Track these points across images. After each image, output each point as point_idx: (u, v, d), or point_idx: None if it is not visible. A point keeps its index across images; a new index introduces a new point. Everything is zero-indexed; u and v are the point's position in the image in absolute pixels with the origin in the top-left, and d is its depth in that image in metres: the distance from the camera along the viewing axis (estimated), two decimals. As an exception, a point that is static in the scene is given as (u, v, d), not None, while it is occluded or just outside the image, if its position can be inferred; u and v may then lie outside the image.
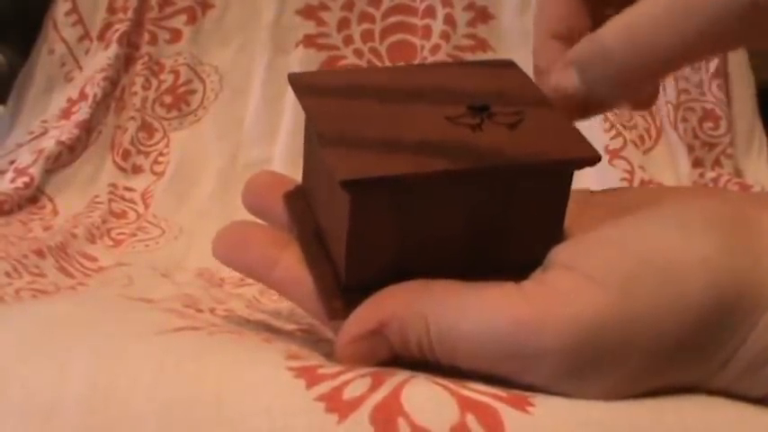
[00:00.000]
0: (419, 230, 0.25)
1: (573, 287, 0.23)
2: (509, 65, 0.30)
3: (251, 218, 0.32)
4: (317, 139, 0.25)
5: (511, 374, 0.23)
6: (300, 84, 0.28)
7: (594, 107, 0.29)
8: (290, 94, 0.67)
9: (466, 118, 0.26)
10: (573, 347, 0.22)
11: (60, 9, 0.71)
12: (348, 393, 0.22)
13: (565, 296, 0.23)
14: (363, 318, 0.25)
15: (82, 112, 0.66)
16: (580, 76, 0.27)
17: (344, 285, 0.26)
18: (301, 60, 0.71)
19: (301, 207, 0.30)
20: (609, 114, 0.66)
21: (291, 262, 0.28)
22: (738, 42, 0.27)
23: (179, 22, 0.72)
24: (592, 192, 0.30)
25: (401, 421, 0.21)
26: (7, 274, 0.44)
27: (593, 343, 0.22)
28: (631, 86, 0.28)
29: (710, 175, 0.66)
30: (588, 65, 0.27)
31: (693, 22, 0.25)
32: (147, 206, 0.64)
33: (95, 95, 0.67)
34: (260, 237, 0.29)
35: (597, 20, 0.31)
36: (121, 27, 0.70)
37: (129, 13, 0.71)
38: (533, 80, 0.29)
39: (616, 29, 0.27)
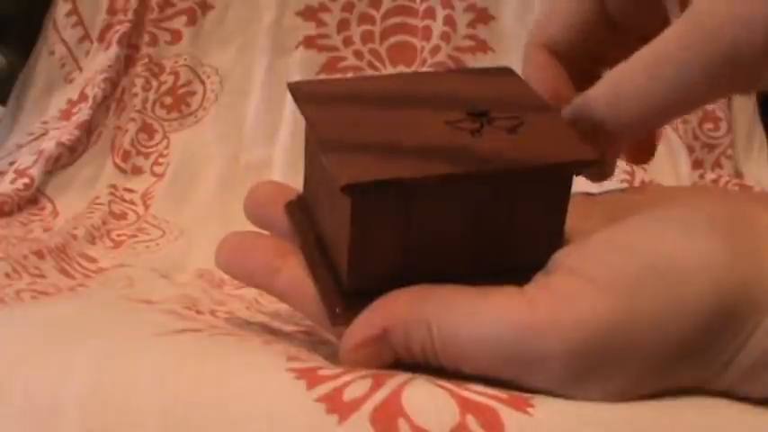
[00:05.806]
0: (420, 235, 0.25)
1: (576, 291, 0.23)
2: (507, 72, 0.30)
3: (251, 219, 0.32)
4: (317, 147, 0.25)
5: (515, 378, 0.23)
6: (300, 92, 0.28)
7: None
8: (290, 95, 0.66)
9: (466, 123, 0.26)
10: (577, 352, 0.22)
11: (61, 10, 0.71)
12: (349, 394, 0.22)
13: (568, 300, 0.23)
14: (367, 324, 0.25)
15: (82, 113, 0.66)
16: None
17: (346, 291, 0.26)
18: (301, 61, 0.71)
19: (303, 216, 0.30)
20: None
21: (294, 270, 0.28)
22: (726, 89, 0.27)
23: (179, 23, 0.72)
24: (592, 193, 0.30)
25: (401, 422, 0.21)
26: (7, 276, 0.44)
27: (596, 347, 0.22)
28: (626, 140, 0.28)
29: (710, 176, 0.66)
30: (581, 124, 0.28)
31: (678, 79, 0.25)
32: (147, 207, 0.63)
33: (95, 96, 0.67)
34: (262, 246, 0.29)
35: (581, 82, 0.31)
36: (122, 28, 0.70)
37: (130, 15, 0.71)
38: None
39: (605, 93, 0.27)
